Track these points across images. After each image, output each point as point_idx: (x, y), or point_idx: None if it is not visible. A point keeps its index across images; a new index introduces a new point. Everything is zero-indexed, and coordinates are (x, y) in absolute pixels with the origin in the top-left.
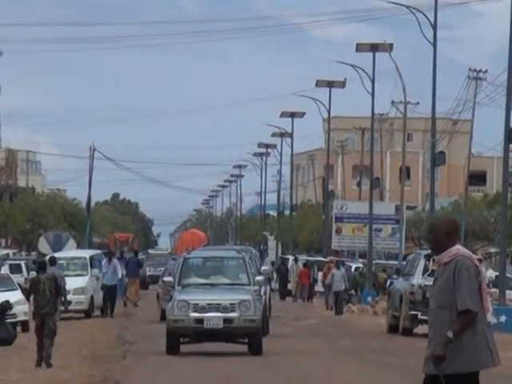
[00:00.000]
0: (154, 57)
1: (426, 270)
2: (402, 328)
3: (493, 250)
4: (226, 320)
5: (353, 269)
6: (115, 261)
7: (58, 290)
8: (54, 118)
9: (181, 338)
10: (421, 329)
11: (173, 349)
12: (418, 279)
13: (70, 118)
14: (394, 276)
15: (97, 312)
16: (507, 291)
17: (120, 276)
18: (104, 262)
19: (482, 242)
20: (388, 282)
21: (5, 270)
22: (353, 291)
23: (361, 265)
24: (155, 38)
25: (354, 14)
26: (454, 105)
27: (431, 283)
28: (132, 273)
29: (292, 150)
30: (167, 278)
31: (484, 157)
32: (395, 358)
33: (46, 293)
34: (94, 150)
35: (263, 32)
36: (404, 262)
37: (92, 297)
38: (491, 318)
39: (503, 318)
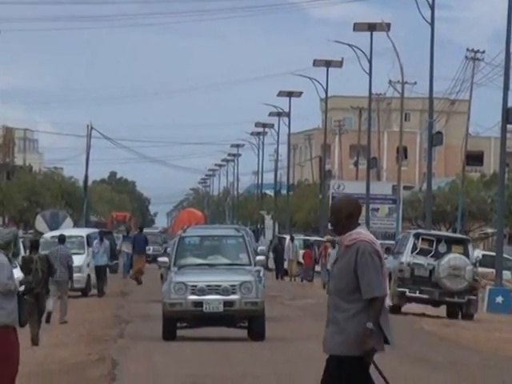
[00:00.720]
0: (153, 36)
1: (414, 248)
2: (391, 304)
3: (490, 230)
4: (227, 303)
5: None
6: (106, 241)
7: (50, 270)
8: (52, 97)
9: (178, 322)
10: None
11: (169, 334)
12: (406, 257)
13: (68, 97)
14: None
15: (93, 291)
16: (504, 272)
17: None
18: (96, 241)
19: (479, 222)
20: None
21: None
22: None
23: None
24: (154, 16)
25: None
26: (451, 85)
27: (420, 261)
28: (139, 249)
29: (289, 130)
30: (162, 259)
31: (481, 137)
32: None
33: (39, 272)
34: (92, 128)
35: (261, 11)
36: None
37: (89, 275)
38: (388, 302)
39: (499, 299)
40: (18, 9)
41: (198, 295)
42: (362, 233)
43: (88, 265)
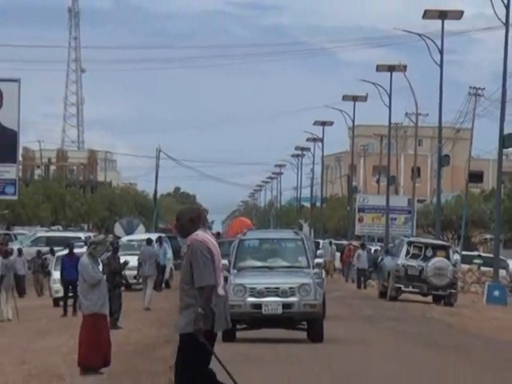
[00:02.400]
0: (210, 75)
1: (407, 252)
2: (389, 296)
3: (488, 236)
4: (285, 305)
5: (372, 251)
6: (165, 244)
7: (124, 267)
8: (129, 125)
9: (237, 323)
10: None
11: (228, 335)
12: (401, 260)
13: (141, 125)
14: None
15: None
16: (500, 270)
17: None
18: (156, 244)
19: (479, 229)
20: (379, 259)
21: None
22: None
23: (379, 247)
24: (214, 59)
25: (374, 40)
26: (456, 116)
27: (412, 263)
28: None
29: (323, 153)
30: (223, 262)
31: (482, 159)
32: (408, 325)
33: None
34: (160, 151)
35: (299, 55)
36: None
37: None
38: (221, 291)
39: (497, 293)
40: (99, 52)
41: (256, 297)
42: (198, 234)
43: None
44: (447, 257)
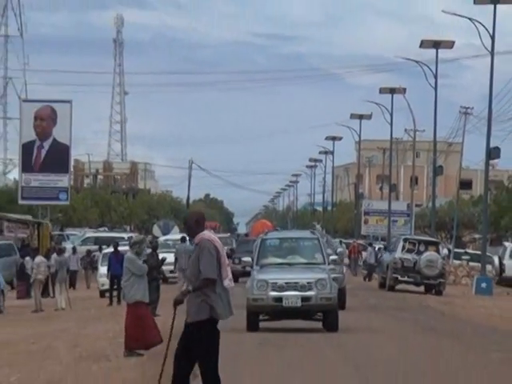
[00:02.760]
0: (235, 96)
1: (403, 248)
2: (388, 285)
3: (477, 235)
4: (304, 298)
5: (376, 248)
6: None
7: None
8: (165, 140)
9: (260, 315)
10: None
11: (253, 325)
12: (398, 254)
13: (176, 140)
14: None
15: None
16: (487, 265)
17: None
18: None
19: (469, 230)
20: (379, 255)
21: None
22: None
23: (382, 246)
24: (236, 82)
25: (378, 66)
26: (449, 132)
27: (407, 257)
28: None
29: (333, 164)
30: (245, 258)
31: (470, 169)
32: (407, 313)
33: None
34: (192, 162)
35: (313, 79)
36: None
37: None
38: (228, 283)
39: (484, 285)
40: (141, 77)
41: (278, 291)
42: (205, 234)
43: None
44: (437, 251)
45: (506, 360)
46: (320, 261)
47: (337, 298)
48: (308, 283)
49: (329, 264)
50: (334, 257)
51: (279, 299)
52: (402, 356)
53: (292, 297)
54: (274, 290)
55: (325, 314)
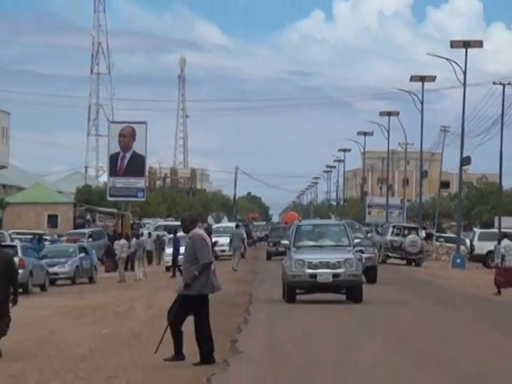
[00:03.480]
0: (270, 118)
1: (392, 232)
2: (380, 259)
3: (453, 223)
4: (335, 275)
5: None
6: (241, 229)
7: (214, 245)
8: (218, 151)
9: (297, 289)
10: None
11: (291, 298)
12: (388, 237)
13: (226, 151)
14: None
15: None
16: (461, 246)
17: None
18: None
19: (447, 219)
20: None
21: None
22: None
23: (371, 229)
24: (270, 108)
25: (379, 95)
26: (432, 145)
27: (395, 239)
28: None
29: (344, 169)
30: (284, 241)
31: (449, 173)
32: (404, 283)
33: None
34: (238, 168)
35: (329, 105)
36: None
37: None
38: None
39: (458, 261)
40: (199, 103)
41: (313, 269)
42: (197, 230)
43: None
44: (417, 234)
45: (477, 316)
46: (346, 243)
47: (362, 275)
48: (338, 262)
49: (354, 247)
50: (357, 240)
51: (314, 276)
52: (411, 318)
53: (325, 274)
54: (309, 267)
55: (351, 288)
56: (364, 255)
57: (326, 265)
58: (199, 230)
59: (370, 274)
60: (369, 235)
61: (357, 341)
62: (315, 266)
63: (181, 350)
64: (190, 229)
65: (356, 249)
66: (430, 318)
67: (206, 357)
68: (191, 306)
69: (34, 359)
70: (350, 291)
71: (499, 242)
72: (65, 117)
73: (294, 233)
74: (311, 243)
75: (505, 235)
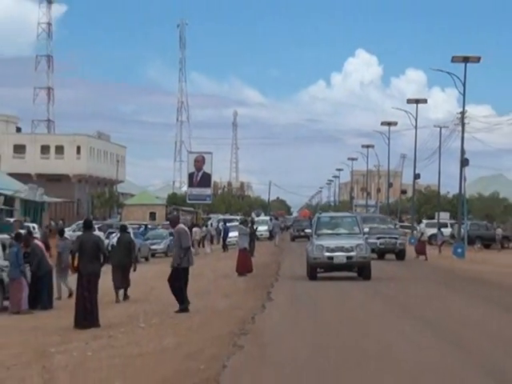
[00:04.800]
0: (291, 149)
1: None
2: None
3: (409, 216)
4: (348, 257)
5: None
6: (274, 221)
7: (255, 230)
8: (258, 170)
9: (318, 268)
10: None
11: (313, 276)
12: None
13: (263, 171)
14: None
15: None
16: (414, 232)
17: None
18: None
19: (406, 214)
20: None
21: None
22: None
23: None
24: (293, 142)
25: (361, 134)
26: (395, 166)
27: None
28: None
29: (339, 182)
30: (307, 230)
31: (406, 184)
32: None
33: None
34: (270, 182)
35: (330, 141)
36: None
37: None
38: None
39: (412, 241)
40: (246, 140)
41: (330, 252)
42: (180, 225)
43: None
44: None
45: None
46: (357, 231)
47: (370, 257)
48: (350, 247)
49: (364, 234)
50: (366, 229)
51: (331, 258)
52: (417, 293)
53: (340, 256)
54: (327, 251)
55: (362, 268)
56: (398, 241)
57: (341, 249)
58: (182, 225)
59: (401, 255)
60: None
61: (350, 292)
62: (332, 250)
63: (183, 300)
64: (176, 225)
65: (391, 236)
66: (407, 284)
67: (183, 307)
68: (178, 274)
69: (142, 305)
70: (361, 270)
71: (439, 229)
72: (160, 149)
73: (315, 223)
74: (329, 231)
75: (442, 225)
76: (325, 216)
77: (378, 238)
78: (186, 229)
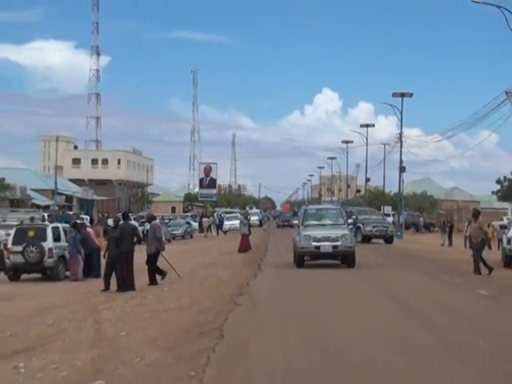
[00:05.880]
0: (276, 161)
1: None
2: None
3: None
4: (334, 247)
5: None
6: (264, 213)
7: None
8: (251, 177)
9: (305, 257)
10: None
11: (300, 264)
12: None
13: (255, 176)
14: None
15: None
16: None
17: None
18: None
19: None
20: None
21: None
22: None
23: None
24: (277, 156)
25: (328, 150)
26: (352, 172)
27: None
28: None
29: (311, 184)
30: (294, 221)
31: (360, 185)
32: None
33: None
34: (260, 185)
35: (303, 155)
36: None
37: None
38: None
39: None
40: (242, 154)
41: (317, 242)
42: (156, 221)
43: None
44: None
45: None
46: (342, 222)
47: (355, 247)
48: (336, 237)
49: (349, 225)
50: (350, 220)
51: (318, 247)
52: (396, 279)
53: (326, 245)
54: (314, 241)
55: (346, 256)
56: (389, 229)
57: (328, 238)
58: (156, 221)
59: (390, 239)
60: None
61: (325, 266)
62: (319, 240)
63: (160, 273)
64: (152, 220)
65: (383, 225)
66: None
67: (156, 279)
68: (153, 258)
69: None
70: (346, 258)
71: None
72: (178, 161)
73: (302, 215)
74: (315, 222)
75: (386, 215)
76: (311, 208)
77: (374, 227)
78: (160, 224)
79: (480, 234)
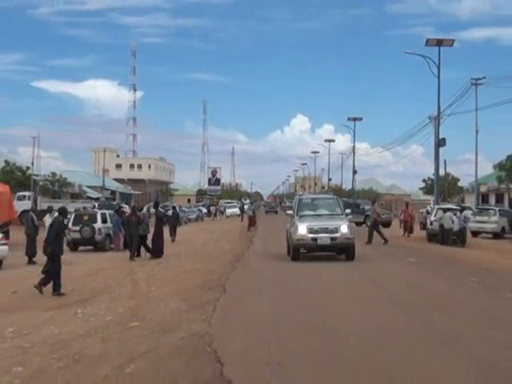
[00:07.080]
0: (262, 166)
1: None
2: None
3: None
4: (332, 238)
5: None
6: (255, 203)
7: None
8: (245, 176)
9: (301, 249)
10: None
11: (296, 257)
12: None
13: (248, 177)
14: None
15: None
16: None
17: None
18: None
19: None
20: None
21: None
22: None
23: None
24: (264, 163)
25: (300, 157)
26: (318, 175)
27: None
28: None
29: (288, 183)
30: (289, 211)
31: (325, 183)
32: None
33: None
34: (252, 182)
35: (283, 161)
36: None
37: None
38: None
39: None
40: (239, 162)
41: (314, 234)
42: (144, 211)
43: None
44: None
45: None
46: (339, 213)
47: (354, 238)
48: (335, 228)
49: (347, 215)
50: (348, 211)
51: (315, 239)
52: (395, 272)
53: (324, 237)
54: (311, 232)
55: (346, 249)
56: (390, 217)
57: (325, 230)
58: (144, 211)
59: (389, 226)
60: None
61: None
62: (316, 231)
63: (147, 251)
64: (141, 210)
65: (383, 213)
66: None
67: (156, 255)
68: (142, 238)
69: (183, 246)
70: (345, 251)
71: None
72: (193, 166)
73: (296, 204)
74: (311, 213)
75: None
76: (306, 198)
77: (378, 216)
78: (147, 213)
79: (375, 216)
